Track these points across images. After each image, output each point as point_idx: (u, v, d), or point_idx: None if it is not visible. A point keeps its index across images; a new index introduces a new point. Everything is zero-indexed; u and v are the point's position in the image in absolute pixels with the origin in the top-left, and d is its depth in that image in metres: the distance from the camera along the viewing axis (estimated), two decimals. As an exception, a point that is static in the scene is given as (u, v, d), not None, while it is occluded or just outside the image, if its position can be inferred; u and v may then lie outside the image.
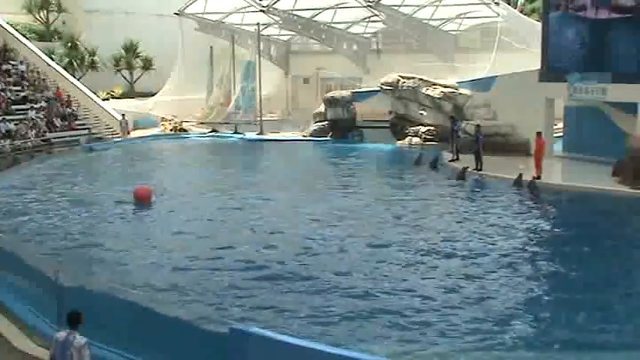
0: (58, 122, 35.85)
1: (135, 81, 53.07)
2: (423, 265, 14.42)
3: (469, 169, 25.07)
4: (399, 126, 33.94)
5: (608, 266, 14.49)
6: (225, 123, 41.55)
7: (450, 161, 27.54)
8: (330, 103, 36.39)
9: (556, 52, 27.12)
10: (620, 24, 24.62)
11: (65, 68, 44.57)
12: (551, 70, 27.09)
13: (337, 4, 42.86)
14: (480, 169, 25.26)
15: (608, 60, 24.97)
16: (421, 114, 32.96)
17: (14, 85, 37.01)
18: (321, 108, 37.09)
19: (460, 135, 28.13)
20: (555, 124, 29.27)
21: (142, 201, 20.51)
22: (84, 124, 37.87)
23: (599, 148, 24.96)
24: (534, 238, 16.91)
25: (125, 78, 52.98)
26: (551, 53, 27.38)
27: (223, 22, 46.26)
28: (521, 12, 49.19)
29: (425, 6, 41.59)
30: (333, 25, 45.10)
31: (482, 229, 17.42)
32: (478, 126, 26.39)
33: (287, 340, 8.26)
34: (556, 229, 18.15)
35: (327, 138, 35.89)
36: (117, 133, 37.59)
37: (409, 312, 11.80)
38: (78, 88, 41.03)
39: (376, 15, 42.51)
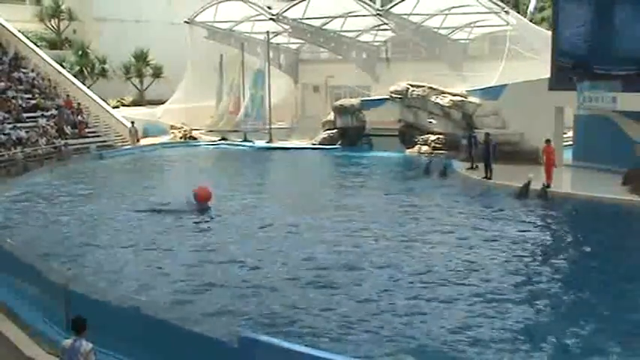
0: (68, 130, 36.00)
1: (145, 89, 53.24)
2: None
3: (480, 178, 25.10)
4: (408, 134, 33.92)
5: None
6: (235, 131, 41.63)
7: (469, 169, 27.31)
8: (340, 111, 36.41)
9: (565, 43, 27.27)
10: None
11: (76, 76, 44.73)
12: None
13: (347, 13, 42.89)
14: (490, 178, 25.20)
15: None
16: (430, 122, 32.95)
17: (25, 93, 37.21)
18: (331, 116, 37.13)
19: (477, 144, 27.63)
20: (565, 133, 29.21)
21: (203, 201, 20.64)
22: (94, 132, 38.06)
23: (609, 157, 24.87)
24: (551, 250, 16.92)
25: (135, 86, 53.16)
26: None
27: (233, 31, 46.39)
28: (530, 21, 49.06)
29: (434, 15, 41.58)
30: (342, 33, 45.15)
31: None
32: (487, 134, 26.37)
33: (296, 349, 8.24)
34: (569, 241, 18.06)
35: (337, 146, 35.90)
36: (126, 141, 37.71)
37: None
38: (88, 95, 41.20)
39: (386, 23, 42.53)
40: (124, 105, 49.05)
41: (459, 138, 30.45)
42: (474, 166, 27.19)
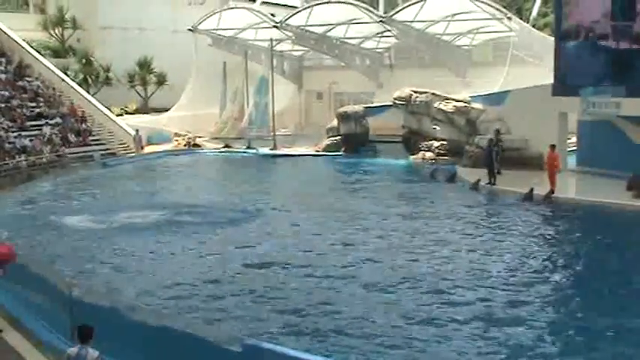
0: (72, 138, 36.06)
1: (149, 97, 53.32)
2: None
3: (484, 184, 25.09)
4: (412, 141, 33.89)
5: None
6: (239, 138, 41.66)
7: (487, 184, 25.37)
8: (343, 117, 36.42)
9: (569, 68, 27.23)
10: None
11: (80, 84, 44.86)
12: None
13: (350, 20, 42.98)
14: (494, 184, 25.14)
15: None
16: (434, 129, 32.92)
17: (30, 101, 37.27)
18: (334, 123, 37.10)
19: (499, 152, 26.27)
20: (569, 138, 29.16)
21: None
22: (98, 140, 38.10)
23: (614, 162, 24.78)
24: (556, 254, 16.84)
25: (139, 94, 53.25)
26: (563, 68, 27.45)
27: (237, 38, 46.50)
28: (533, 26, 49.10)
29: (438, 21, 41.62)
30: (346, 40, 45.26)
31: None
32: (491, 139, 26.33)
33: (300, 356, 8.22)
34: (572, 248, 17.99)
35: (340, 153, 35.88)
36: (131, 149, 37.76)
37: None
38: (92, 104, 41.26)
39: (389, 30, 42.60)
40: (127, 113, 49.10)
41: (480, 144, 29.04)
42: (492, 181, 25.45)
